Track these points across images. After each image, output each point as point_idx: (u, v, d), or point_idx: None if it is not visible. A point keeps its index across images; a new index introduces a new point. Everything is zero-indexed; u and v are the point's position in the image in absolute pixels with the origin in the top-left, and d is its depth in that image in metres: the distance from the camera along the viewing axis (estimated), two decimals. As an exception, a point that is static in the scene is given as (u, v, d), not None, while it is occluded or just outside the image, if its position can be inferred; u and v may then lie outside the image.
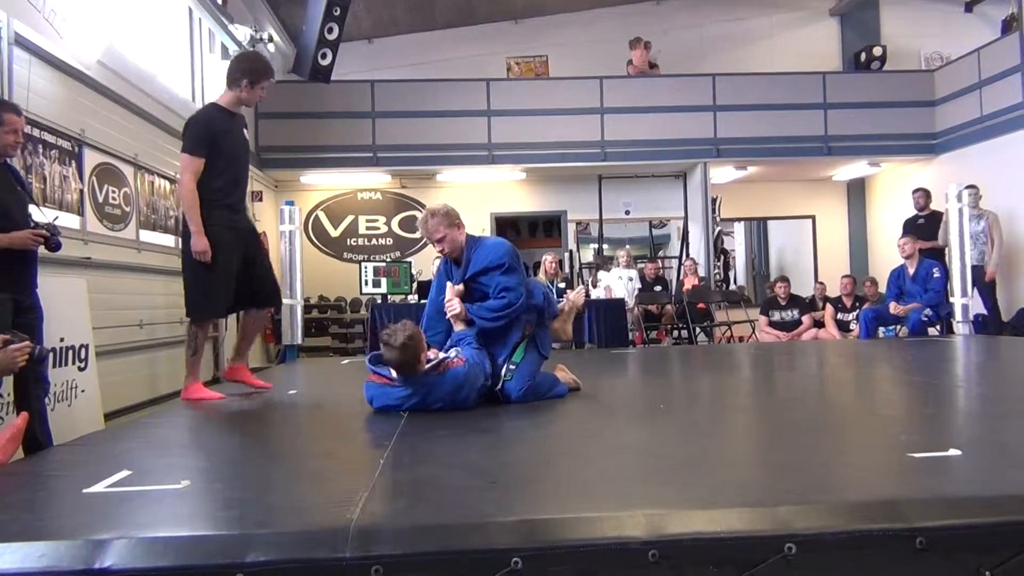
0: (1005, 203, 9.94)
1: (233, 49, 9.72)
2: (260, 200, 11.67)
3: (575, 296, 4.69)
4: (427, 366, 3.76)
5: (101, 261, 6.75)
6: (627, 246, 12.23)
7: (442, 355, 3.91)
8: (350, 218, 13.12)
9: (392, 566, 1.72)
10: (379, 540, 1.77)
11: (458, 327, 4.20)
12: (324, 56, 9.96)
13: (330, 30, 9.84)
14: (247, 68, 4.72)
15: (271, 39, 11.29)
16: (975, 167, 10.69)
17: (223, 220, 4.55)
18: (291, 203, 7.27)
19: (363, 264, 9.41)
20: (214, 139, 4.55)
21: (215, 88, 9.61)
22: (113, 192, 7.13)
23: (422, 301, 8.84)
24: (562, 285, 9.64)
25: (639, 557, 1.76)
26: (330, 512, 1.94)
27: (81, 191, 6.54)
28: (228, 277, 4.59)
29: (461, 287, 4.23)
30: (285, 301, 7.14)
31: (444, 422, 3.55)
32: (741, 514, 1.86)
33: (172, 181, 8.48)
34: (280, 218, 7.16)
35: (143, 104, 7.81)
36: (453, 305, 4.18)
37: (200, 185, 4.49)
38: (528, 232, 15.14)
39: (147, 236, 7.83)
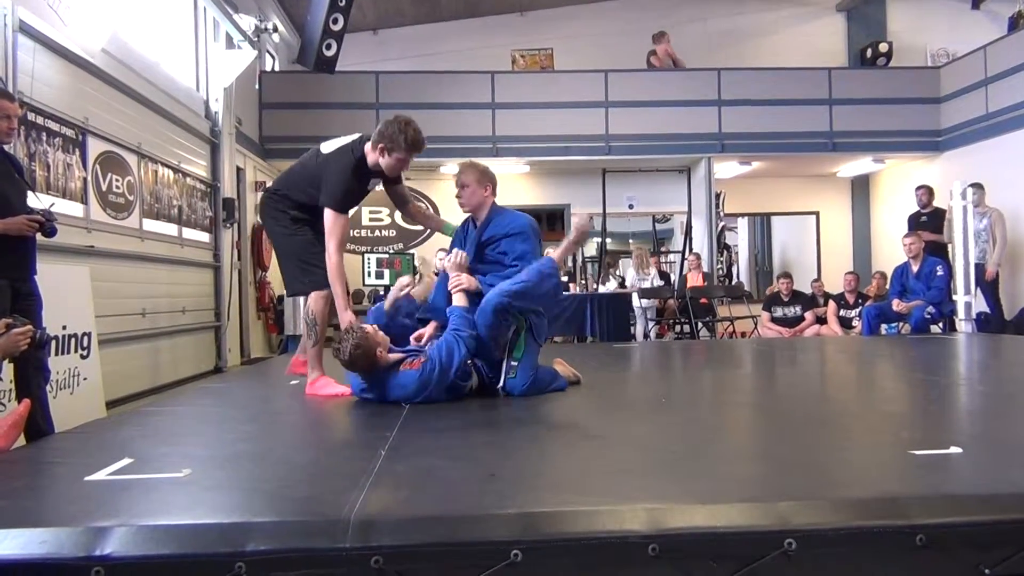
0: (1009, 201, 9.92)
1: (238, 38, 9.71)
2: (264, 190, 11.67)
3: (582, 222, 4.40)
4: (384, 364, 3.71)
5: (104, 249, 6.76)
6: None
7: (401, 354, 3.80)
8: (353, 210, 13.07)
9: (392, 557, 1.73)
10: (379, 531, 1.77)
11: (457, 299, 3.93)
12: (329, 47, 9.95)
13: (335, 21, 9.83)
14: (386, 134, 4.33)
15: (276, 29, 11.30)
16: (980, 164, 10.66)
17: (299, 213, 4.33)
18: (294, 194, 7.25)
19: (366, 256, 9.42)
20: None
21: (219, 78, 9.62)
22: (117, 180, 7.13)
23: (424, 293, 8.86)
24: (565, 278, 9.64)
25: (639, 551, 1.76)
26: (330, 502, 1.95)
27: (85, 179, 6.54)
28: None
29: (464, 255, 4.09)
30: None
31: (445, 415, 3.56)
32: (741, 509, 1.86)
33: (176, 170, 8.49)
34: (283, 208, 7.15)
35: (147, 93, 7.81)
36: (460, 279, 3.95)
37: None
38: (531, 225, 15.09)
39: (150, 225, 7.84)
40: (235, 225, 10.19)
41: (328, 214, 4.10)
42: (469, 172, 4.28)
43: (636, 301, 10.48)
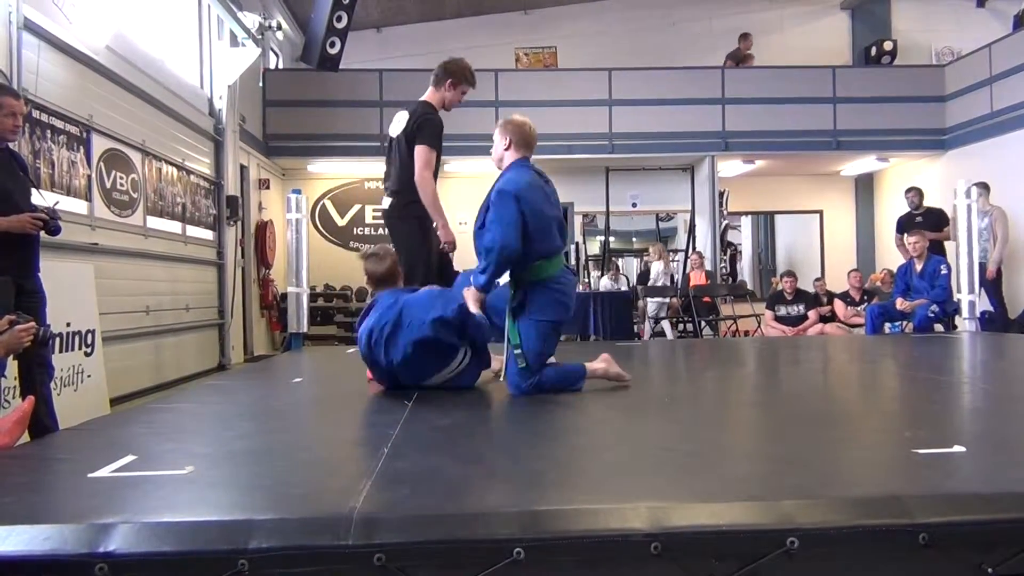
0: (1013, 200, 9.90)
1: (242, 36, 9.72)
2: (267, 188, 11.69)
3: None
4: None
5: (108, 247, 6.77)
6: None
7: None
8: (357, 207, 13.13)
9: (394, 554, 1.73)
10: (382, 528, 1.77)
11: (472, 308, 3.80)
12: (333, 45, 9.96)
13: (339, 19, 9.83)
14: (452, 70, 4.97)
15: (280, 27, 11.30)
16: (984, 163, 10.65)
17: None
18: (298, 191, 7.26)
19: (369, 254, 9.41)
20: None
21: (223, 75, 9.63)
22: (121, 178, 7.14)
23: (428, 291, 8.86)
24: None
25: (641, 549, 1.76)
26: (333, 499, 1.95)
27: (89, 177, 6.56)
28: (425, 262, 4.79)
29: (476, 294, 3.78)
30: (291, 289, 7.14)
31: (448, 412, 3.56)
32: (744, 507, 1.86)
33: (180, 168, 8.50)
34: (287, 206, 7.16)
35: (151, 90, 7.82)
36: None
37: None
38: (535, 223, 15.09)
39: (154, 222, 7.86)
40: (239, 222, 10.21)
41: (422, 149, 4.63)
42: (499, 125, 4.10)
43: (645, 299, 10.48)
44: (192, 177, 8.90)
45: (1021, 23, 11.37)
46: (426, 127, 4.70)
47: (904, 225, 9.82)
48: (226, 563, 1.71)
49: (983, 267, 8.82)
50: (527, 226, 3.68)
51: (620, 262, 13.25)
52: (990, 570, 1.80)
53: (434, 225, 4.74)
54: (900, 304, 8.00)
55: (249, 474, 2.40)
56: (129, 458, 2.46)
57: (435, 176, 4.73)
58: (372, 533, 1.76)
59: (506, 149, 3.99)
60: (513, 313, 3.80)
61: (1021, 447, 2.63)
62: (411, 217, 4.71)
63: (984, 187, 9.36)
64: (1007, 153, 10.42)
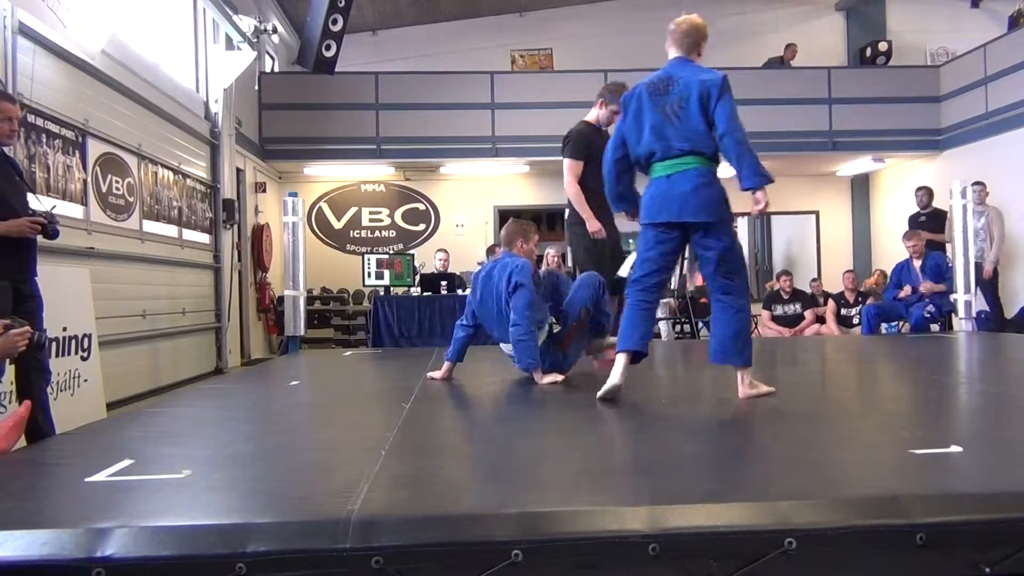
0: (1008, 200, 9.93)
1: (237, 39, 9.71)
2: (264, 191, 11.69)
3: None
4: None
5: (104, 251, 6.76)
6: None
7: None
8: (353, 210, 13.13)
9: (392, 557, 1.73)
10: (380, 531, 1.77)
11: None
12: (328, 48, 9.95)
13: (334, 22, 9.83)
14: (602, 90, 5.59)
15: (275, 30, 11.30)
16: (979, 163, 10.66)
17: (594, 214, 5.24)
18: (294, 194, 7.26)
19: (366, 256, 9.41)
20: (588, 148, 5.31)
21: (218, 79, 9.62)
22: (117, 182, 7.13)
23: (425, 294, 8.86)
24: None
25: (639, 551, 1.76)
26: (331, 503, 1.95)
27: (85, 181, 6.55)
28: (596, 259, 5.31)
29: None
30: (288, 292, 7.14)
31: (446, 415, 3.56)
32: (742, 509, 1.86)
33: (176, 171, 8.49)
34: (283, 209, 7.16)
35: (147, 94, 7.82)
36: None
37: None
38: (531, 225, 15.08)
39: (150, 226, 7.85)
40: (235, 226, 10.20)
41: (566, 162, 5.48)
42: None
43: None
44: (188, 181, 8.89)
45: (1016, 23, 11.40)
46: (570, 142, 5.44)
47: (911, 223, 9.84)
48: (224, 567, 1.71)
49: (979, 267, 8.84)
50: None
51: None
52: (988, 570, 1.80)
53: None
54: (925, 286, 7.88)
55: (246, 478, 2.39)
56: (126, 462, 2.45)
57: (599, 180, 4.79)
58: (370, 536, 1.76)
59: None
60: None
61: (1018, 447, 2.63)
62: (577, 223, 5.40)
63: (981, 187, 9.38)
64: (1002, 153, 10.44)
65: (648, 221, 3.72)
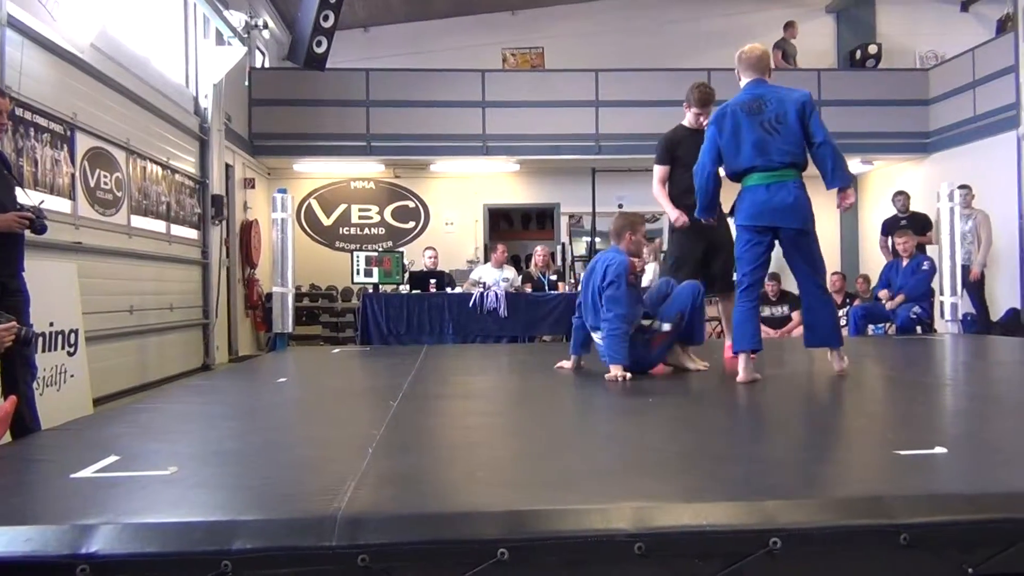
0: (994, 203, 9.99)
1: (228, 35, 9.68)
2: (253, 187, 11.66)
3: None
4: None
5: (92, 246, 6.73)
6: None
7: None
8: (343, 207, 13.10)
9: (378, 555, 1.73)
10: (366, 529, 1.77)
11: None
12: (319, 44, 9.93)
13: (326, 18, 9.81)
14: (687, 93, 5.59)
15: (266, 26, 11.26)
16: (966, 167, 10.72)
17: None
18: (284, 191, 7.24)
19: (355, 253, 9.39)
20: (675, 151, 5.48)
21: (208, 74, 9.59)
22: (105, 177, 7.10)
23: (414, 291, 8.85)
24: (554, 277, 9.65)
25: (625, 549, 1.76)
26: (318, 500, 1.94)
27: (73, 175, 6.51)
28: (690, 259, 5.35)
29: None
30: (276, 289, 7.12)
31: (433, 413, 3.56)
32: (727, 508, 1.87)
33: (164, 166, 8.46)
34: (272, 205, 7.14)
35: (136, 89, 7.78)
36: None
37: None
38: (521, 224, 15.15)
39: (138, 221, 7.82)
40: (224, 222, 10.16)
41: (655, 167, 5.65)
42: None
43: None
44: (177, 176, 8.85)
45: (1004, 27, 11.46)
46: (658, 148, 5.61)
47: (888, 228, 9.90)
48: (209, 564, 1.71)
49: (966, 269, 8.90)
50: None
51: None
52: (971, 570, 1.81)
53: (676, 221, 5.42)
54: (885, 298, 8.06)
55: (233, 474, 2.39)
56: (112, 458, 2.44)
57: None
58: (356, 534, 1.75)
59: (740, 81, 4.39)
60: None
61: (1001, 448, 2.65)
62: (674, 230, 5.52)
63: (967, 190, 9.44)
64: (990, 156, 10.50)
65: (749, 224, 4.20)
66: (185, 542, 1.75)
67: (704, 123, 5.11)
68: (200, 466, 2.48)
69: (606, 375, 4.25)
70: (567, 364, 4.82)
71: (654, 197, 5.70)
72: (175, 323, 8.63)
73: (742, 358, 4.11)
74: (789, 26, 12.93)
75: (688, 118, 5.54)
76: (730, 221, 4.60)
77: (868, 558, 1.83)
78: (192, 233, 9.34)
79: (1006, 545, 1.82)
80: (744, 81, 4.32)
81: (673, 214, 5.43)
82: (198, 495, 2.13)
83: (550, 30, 13.55)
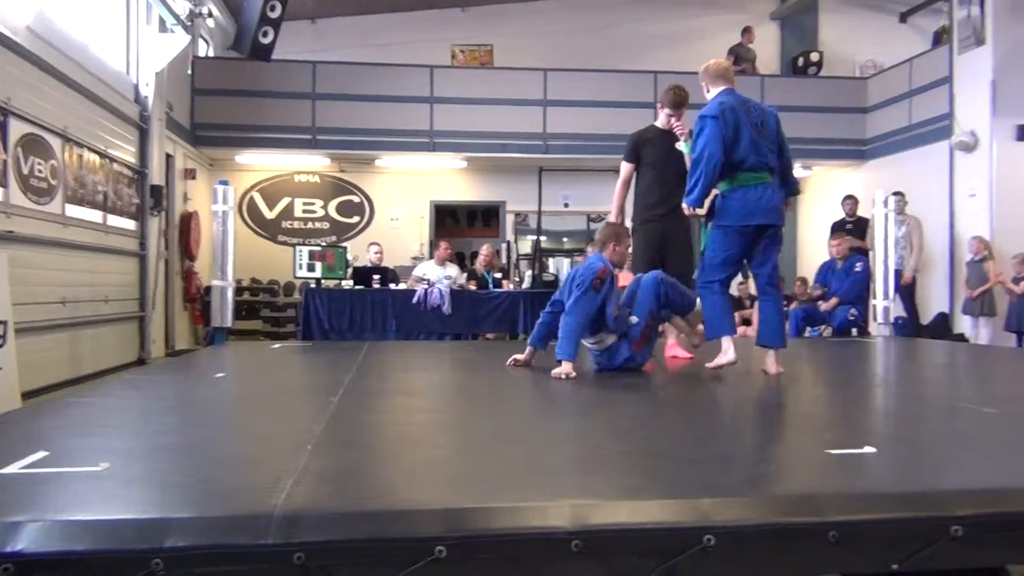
0: (926, 210, 10.31)
1: (171, 22, 9.47)
2: (194, 178, 11.44)
3: None
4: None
5: (24, 235, 6.55)
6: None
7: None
8: (286, 200, 12.94)
9: (315, 553, 1.71)
10: (303, 526, 1.75)
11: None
12: (265, 34, 9.79)
13: (272, 8, 9.67)
14: (660, 95, 5.72)
15: (210, 14, 11.07)
16: (901, 174, 11.04)
17: (644, 215, 5.50)
18: (225, 182, 7.11)
19: (298, 247, 9.27)
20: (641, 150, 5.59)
21: (150, 62, 9.38)
22: (39, 164, 6.90)
23: (357, 287, 8.78)
24: (498, 275, 9.66)
25: (562, 547, 1.78)
26: (254, 497, 1.92)
27: (4, 162, 6.31)
28: (644, 259, 5.36)
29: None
30: (215, 283, 6.99)
31: (373, 410, 3.54)
32: (664, 506, 1.90)
33: (102, 155, 8.25)
34: (214, 197, 7.00)
35: (74, 74, 7.58)
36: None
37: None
38: (467, 221, 15.12)
39: (73, 211, 7.61)
40: (163, 213, 9.96)
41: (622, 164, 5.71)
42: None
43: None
44: (115, 165, 8.64)
45: (939, 40, 11.81)
46: (626, 145, 5.72)
47: (834, 230, 10.15)
48: (140, 562, 1.67)
49: (899, 274, 9.16)
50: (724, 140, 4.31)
51: (551, 261, 13.33)
52: (895, 566, 1.87)
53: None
54: (823, 305, 8.28)
55: (167, 471, 2.34)
56: (41, 454, 2.38)
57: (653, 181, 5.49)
58: (293, 532, 1.73)
59: (708, 92, 4.67)
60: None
61: (928, 448, 2.74)
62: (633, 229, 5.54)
63: (901, 197, 9.72)
64: (923, 165, 10.82)
65: (741, 224, 4.35)
66: (115, 540, 1.71)
67: (674, 124, 5.41)
68: (133, 462, 2.43)
69: (552, 371, 4.29)
70: (521, 356, 4.86)
71: (614, 192, 5.80)
72: (110, 315, 8.43)
73: (727, 342, 4.40)
74: (746, 31, 13.14)
75: (660, 119, 5.61)
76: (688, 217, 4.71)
77: (798, 554, 1.87)
78: (130, 224, 9.13)
79: (929, 542, 1.88)
80: (715, 91, 4.58)
81: (614, 217, 5.56)
82: (130, 492, 2.08)
83: (500, 28, 13.56)
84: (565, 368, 4.26)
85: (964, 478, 2.22)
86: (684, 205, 4.52)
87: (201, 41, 11.74)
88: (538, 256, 11.67)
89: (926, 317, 10.31)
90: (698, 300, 4.64)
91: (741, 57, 12.94)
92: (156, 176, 9.59)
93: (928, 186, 10.52)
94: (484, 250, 9.95)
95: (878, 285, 7.73)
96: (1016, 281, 9.06)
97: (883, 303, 7.61)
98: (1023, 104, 9.60)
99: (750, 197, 4.33)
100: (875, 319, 7.78)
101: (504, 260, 11.46)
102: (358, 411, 3.39)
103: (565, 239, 15.05)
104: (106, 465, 2.27)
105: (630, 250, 5.06)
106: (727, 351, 4.38)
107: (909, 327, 9.70)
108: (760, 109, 4.51)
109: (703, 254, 4.53)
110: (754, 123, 4.40)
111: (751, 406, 3.97)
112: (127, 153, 9.02)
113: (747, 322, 10.06)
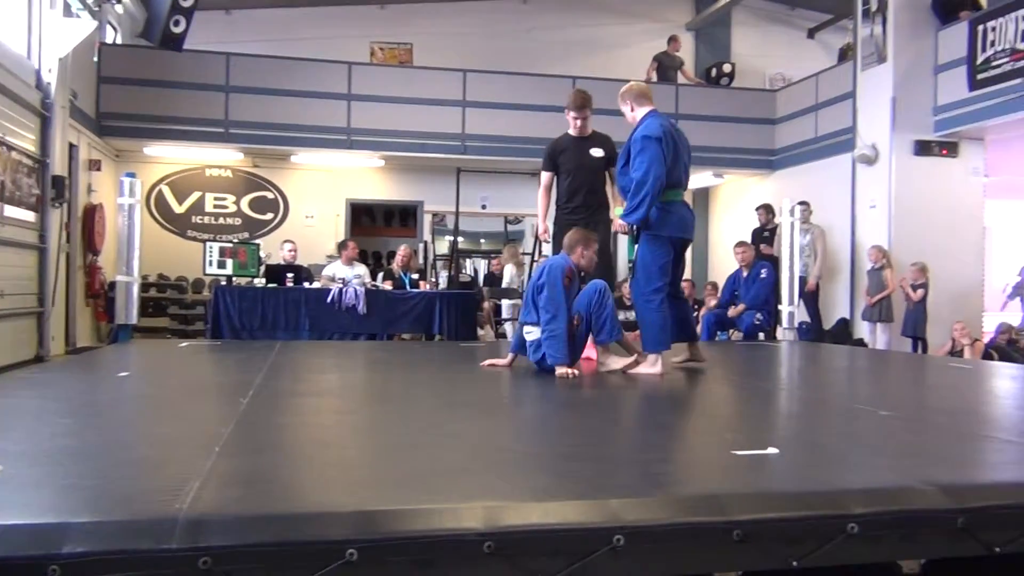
0: (829, 219, 10.72)
1: (77, 7, 9.11)
2: (99, 170, 11.03)
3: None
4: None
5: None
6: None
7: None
8: (197, 195, 12.59)
9: (221, 557, 1.67)
10: (209, 530, 1.71)
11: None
12: (177, 23, 9.51)
13: (184, -4, 9.40)
14: (567, 100, 5.76)
15: (119, 0, 10.67)
16: (806, 184, 11.46)
17: (565, 219, 5.58)
18: (132, 175, 6.87)
19: (208, 243, 9.04)
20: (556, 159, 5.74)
21: (54, 47, 9.01)
22: (-71, 150, 6.53)
23: (270, 285, 8.61)
24: (415, 276, 9.62)
25: (474, 548, 1.78)
26: (158, 501, 1.87)
27: None
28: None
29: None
30: (120, 278, 6.75)
31: (281, 412, 3.49)
32: (574, 506, 1.92)
33: (2, 144, 7.89)
34: (119, 190, 6.76)
35: (-31, 58, 7.21)
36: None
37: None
38: (384, 221, 15.01)
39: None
40: (65, 205, 9.56)
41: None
42: (619, 98, 4.98)
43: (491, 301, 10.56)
44: (14, 153, 8.26)
45: (844, 56, 12.29)
46: (543, 155, 5.89)
47: (754, 238, 10.44)
48: (35, 569, 1.61)
49: (803, 281, 9.49)
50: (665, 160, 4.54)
51: (468, 262, 13.34)
52: (795, 563, 1.94)
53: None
54: (732, 311, 8.52)
55: (66, 474, 2.25)
56: (-73, 456, 2.26)
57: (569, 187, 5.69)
58: (198, 536, 1.69)
59: (633, 111, 4.81)
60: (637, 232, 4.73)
61: (827, 449, 2.84)
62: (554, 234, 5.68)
63: (806, 206, 10.08)
64: (827, 176, 11.25)
65: (677, 236, 4.69)
66: (8, 546, 1.64)
67: (578, 125, 5.65)
68: (29, 465, 2.33)
69: (557, 373, 4.42)
70: (501, 361, 4.90)
71: (537, 200, 5.90)
72: (6, 311, 8.05)
73: (665, 355, 4.72)
74: (672, 40, 13.37)
75: (570, 125, 5.75)
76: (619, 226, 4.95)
77: (704, 553, 1.92)
78: (29, 215, 8.73)
79: (827, 539, 1.96)
80: (640, 110, 4.79)
81: (541, 227, 5.76)
82: (25, 496, 2.00)
83: (419, 27, 13.49)
84: (563, 370, 4.40)
85: (861, 478, 2.32)
86: (619, 221, 4.76)
87: (109, 28, 11.32)
88: (455, 257, 11.65)
89: (828, 322, 10.72)
90: (615, 334, 4.73)
91: (665, 65, 13.19)
92: (58, 166, 9.20)
93: (832, 197, 10.94)
94: (401, 250, 9.89)
95: (784, 291, 7.99)
96: (914, 288, 9.50)
97: (788, 308, 7.87)
98: (922, 120, 10.06)
99: (684, 212, 4.75)
100: (781, 324, 8.04)
101: (421, 260, 11.40)
102: (268, 412, 3.33)
103: (482, 240, 15.10)
104: (0, 468, 2.18)
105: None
106: (655, 363, 4.60)
107: (813, 332, 10.06)
108: (678, 132, 4.82)
109: (635, 263, 4.72)
110: (684, 145, 4.77)
111: (659, 407, 4.06)
112: (27, 141, 8.63)
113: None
